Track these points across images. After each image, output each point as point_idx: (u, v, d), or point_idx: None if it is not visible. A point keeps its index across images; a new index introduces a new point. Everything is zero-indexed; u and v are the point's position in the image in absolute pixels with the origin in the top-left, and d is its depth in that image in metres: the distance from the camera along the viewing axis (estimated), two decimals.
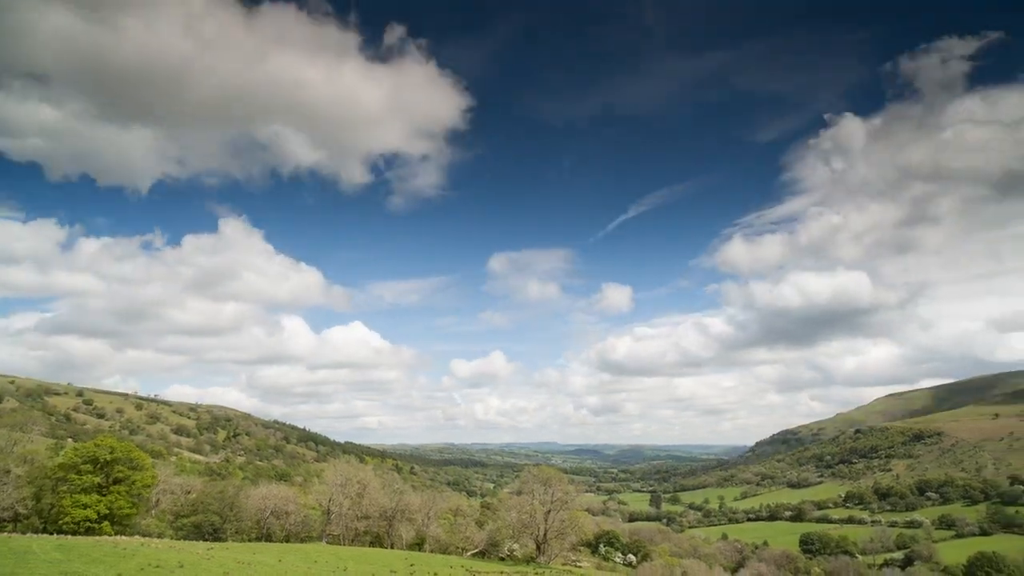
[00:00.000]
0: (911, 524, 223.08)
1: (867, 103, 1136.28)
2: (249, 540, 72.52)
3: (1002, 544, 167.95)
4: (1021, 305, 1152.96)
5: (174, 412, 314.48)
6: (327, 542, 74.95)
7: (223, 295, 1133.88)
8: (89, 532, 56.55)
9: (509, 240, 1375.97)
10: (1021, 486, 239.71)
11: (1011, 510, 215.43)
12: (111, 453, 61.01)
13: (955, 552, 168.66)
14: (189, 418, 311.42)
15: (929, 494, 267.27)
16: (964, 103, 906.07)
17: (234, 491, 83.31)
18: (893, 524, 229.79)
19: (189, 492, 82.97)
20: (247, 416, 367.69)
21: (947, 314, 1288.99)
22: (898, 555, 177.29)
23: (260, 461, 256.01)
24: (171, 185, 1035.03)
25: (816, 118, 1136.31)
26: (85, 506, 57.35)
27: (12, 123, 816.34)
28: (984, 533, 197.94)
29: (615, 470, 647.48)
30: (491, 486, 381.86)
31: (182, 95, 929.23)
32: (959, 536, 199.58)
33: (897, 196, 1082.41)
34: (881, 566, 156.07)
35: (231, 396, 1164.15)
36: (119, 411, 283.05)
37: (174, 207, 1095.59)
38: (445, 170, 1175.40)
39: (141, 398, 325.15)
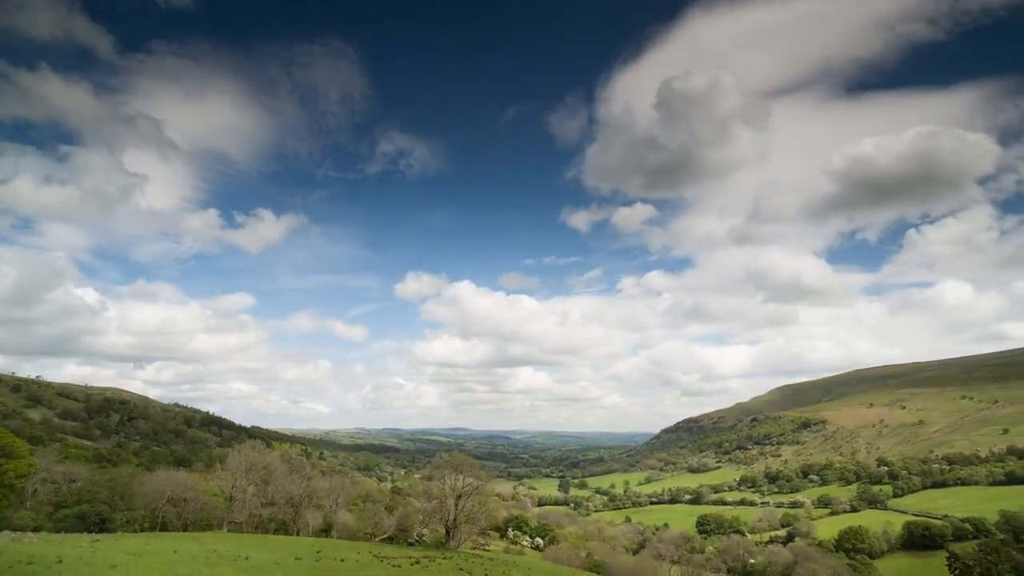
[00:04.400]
0: (795, 504, 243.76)
1: None
2: (142, 530, 68.63)
3: (867, 519, 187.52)
4: None
5: (59, 395, 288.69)
6: (229, 530, 72.19)
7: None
8: None
9: None
10: (886, 467, 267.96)
11: (876, 488, 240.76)
12: None
13: (829, 528, 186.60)
14: (78, 400, 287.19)
15: (811, 477, 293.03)
16: None
17: (127, 478, 78.57)
18: (780, 505, 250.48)
19: (73, 481, 77.15)
20: (144, 399, 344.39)
21: None
22: (782, 532, 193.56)
23: (157, 446, 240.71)
24: None
25: None
26: None
27: None
28: (854, 510, 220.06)
29: (526, 456, 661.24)
30: (402, 472, 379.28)
31: None
32: (833, 513, 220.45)
33: None
34: (767, 543, 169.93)
35: (131, 384, 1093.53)
36: None
37: None
38: None
39: (19, 379, 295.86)
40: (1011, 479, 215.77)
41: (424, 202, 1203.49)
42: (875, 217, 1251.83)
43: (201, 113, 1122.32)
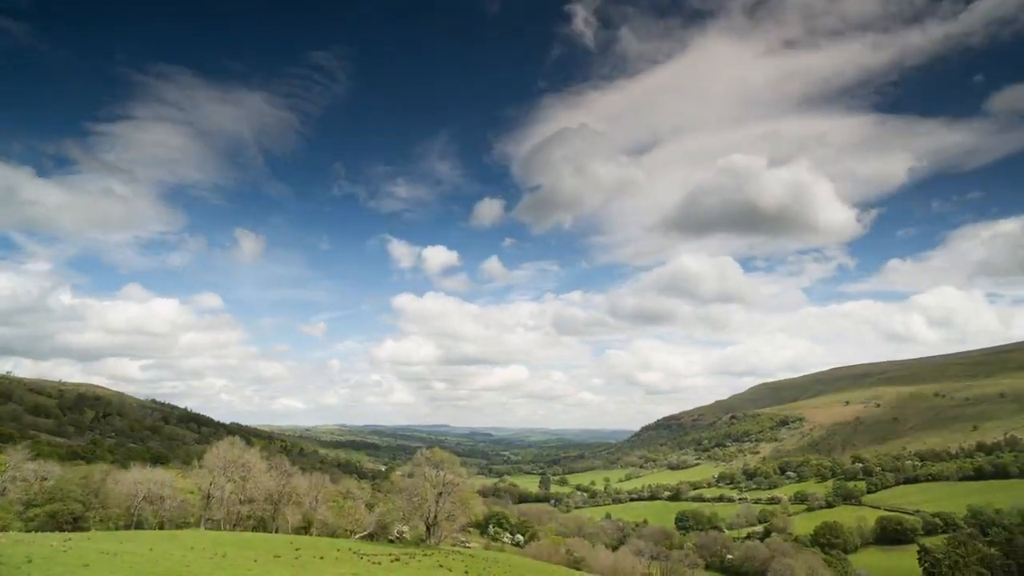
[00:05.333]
0: (772, 500, 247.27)
1: None
2: (117, 528, 67.54)
3: (842, 515, 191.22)
4: None
5: (31, 390, 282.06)
6: (206, 528, 71.40)
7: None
8: None
9: None
10: (861, 464, 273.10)
11: (851, 484, 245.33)
12: None
13: (806, 523, 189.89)
14: (51, 396, 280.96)
15: (788, 473, 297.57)
16: None
17: (101, 476, 77.21)
18: (757, 501, 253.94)
19: (45, 478, 75.40)
20: (120, 395, 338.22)
21: None
22: (759, 528, 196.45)
23: (133, 443, 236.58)
24: None
25: None
26: None
27: None
28: (829, 506, 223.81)
29: (507, 453, 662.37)
30: (383, 468, 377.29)
31: None
32: (810, 509, 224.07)
33: None
34: (744, 539, 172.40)
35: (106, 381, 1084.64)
36: None
37: None
38: None
39: None
40: (979, 474, 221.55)
41: (374, 223, 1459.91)
42: (764, 246, 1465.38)
43: (182, 165, 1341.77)
